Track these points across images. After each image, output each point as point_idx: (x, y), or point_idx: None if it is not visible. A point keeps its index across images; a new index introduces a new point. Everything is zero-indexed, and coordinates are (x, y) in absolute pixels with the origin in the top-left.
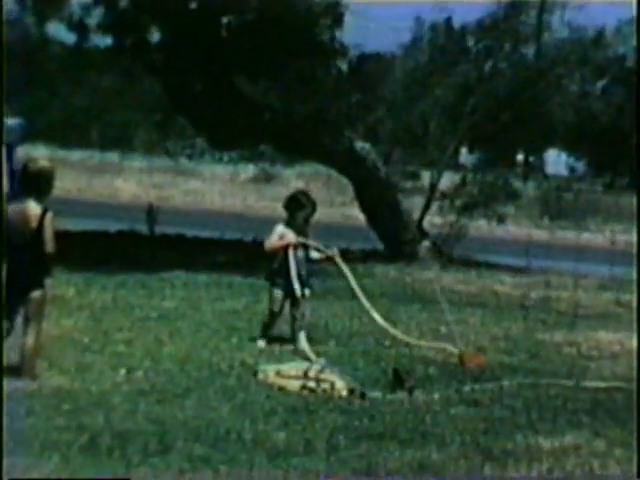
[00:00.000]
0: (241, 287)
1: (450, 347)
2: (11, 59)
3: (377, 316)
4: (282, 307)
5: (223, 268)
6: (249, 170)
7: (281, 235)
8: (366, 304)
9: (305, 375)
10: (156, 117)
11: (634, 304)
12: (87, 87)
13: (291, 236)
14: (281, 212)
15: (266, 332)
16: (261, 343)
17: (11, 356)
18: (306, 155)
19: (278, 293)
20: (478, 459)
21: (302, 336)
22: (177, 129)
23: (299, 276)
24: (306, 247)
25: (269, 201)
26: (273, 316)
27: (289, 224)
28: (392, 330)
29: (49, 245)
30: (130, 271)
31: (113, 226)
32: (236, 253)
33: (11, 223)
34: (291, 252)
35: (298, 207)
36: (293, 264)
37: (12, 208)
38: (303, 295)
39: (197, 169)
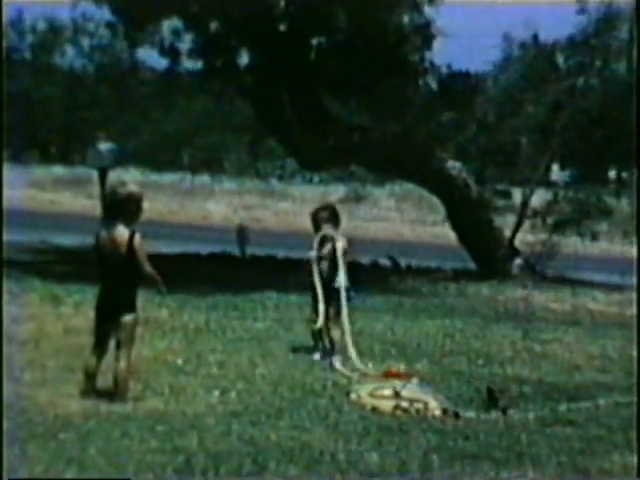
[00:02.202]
0: None
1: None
2: (103, 85)
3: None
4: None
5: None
6: (340, 190)
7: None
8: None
9: (398, 395)
10: (246, 139)
11: None
12: (178, 111)
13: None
14: (373, 231)
15: (316, 345)
16: (316, 356)
17: (104, 379)
18: (397, 174)
19: (320, 307)
20: (575, 479)
21: (336, 358)
22: (267, 150)
23: (329, 290)
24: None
25: (360, 221)
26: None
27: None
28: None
29: (145, 266)
30: (222, 293)
31: (205, 248)
32: None
33: (102, 248)
34: (314, 268)
35: (321, 222)
36: (317, 280)
37: (103, 234)
38: (327, 316)
39: (287, 190)
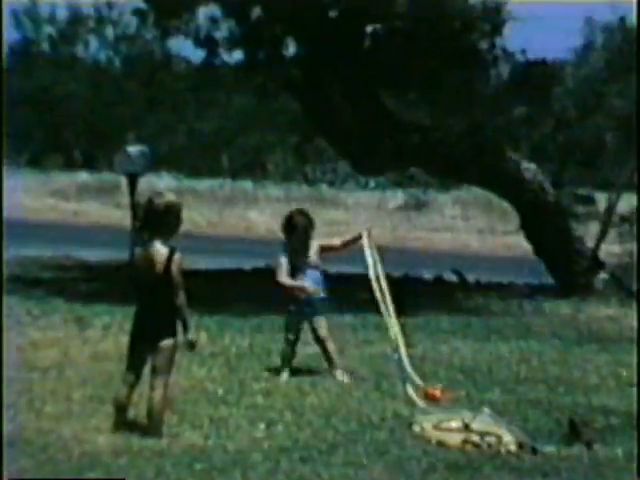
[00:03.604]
0: None
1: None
2: (131, 80)
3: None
4: (297, 335)
5: (370, 307)
6: (398, 197)
7: (286, 264)
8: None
9: (467, 427)
10: (293, 140)
11: None
12: (216, 108)
13: (307, 283)
14: (436, 242)
15: (284, 363)
16: (284, 376)
17: (137, 411)
18: (463, 178)
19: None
20: None
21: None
22: (316, 152)
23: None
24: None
25: (421, 231)
26: (288, 345)
27: (290, 249)
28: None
29: (178, 295)
30: (267, 313)
31: (248, 263)
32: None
33: (137, 267)
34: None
35: (293, 229)
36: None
37: (138, 251)
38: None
39: (339, 197)
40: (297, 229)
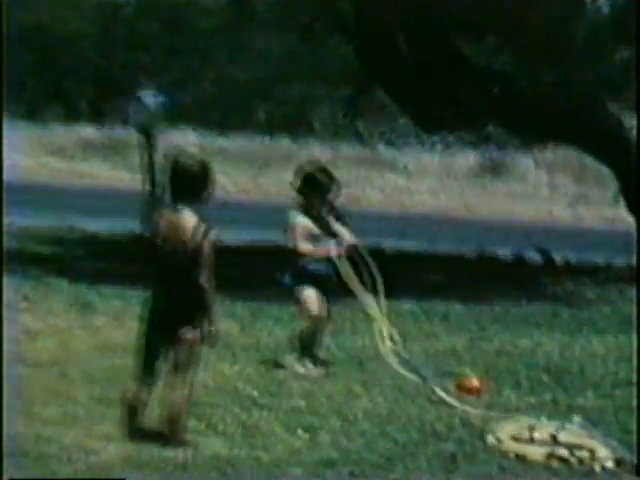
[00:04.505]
0: (461, 318)
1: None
2: (149, 17)
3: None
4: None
5: (435, 292)
6: (470, 159)
7: (305, 227)
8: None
9: (553, 439)
10: (344, 91)
11: None
12: (251, 52)
13: (332, 246)
14: (516, 214)
15: (304, 349)
16: (308, 366)
17: (153, 415)
18: (549, 137)
19: (311, 294)
20: None
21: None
22: (372, 106)
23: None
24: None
25: (498, 200)
26: (313, 325)
27: (306, 211)
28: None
29: (205, 277)
30: None
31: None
32: (452, 271)
33: (158, 240)
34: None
35: (315, 189)
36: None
37: (159, 221)
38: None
39: (399, 159)
40: (319, 190)
